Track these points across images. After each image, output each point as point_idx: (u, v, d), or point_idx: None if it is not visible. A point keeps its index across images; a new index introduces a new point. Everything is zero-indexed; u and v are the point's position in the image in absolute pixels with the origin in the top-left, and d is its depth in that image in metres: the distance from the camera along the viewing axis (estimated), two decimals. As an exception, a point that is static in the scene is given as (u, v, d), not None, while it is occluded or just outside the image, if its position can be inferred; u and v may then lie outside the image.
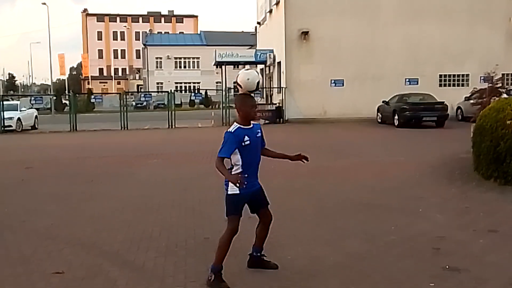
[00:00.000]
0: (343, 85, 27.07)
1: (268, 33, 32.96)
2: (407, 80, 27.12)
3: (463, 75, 27.82)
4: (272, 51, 30.56)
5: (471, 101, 21.88)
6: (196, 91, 51.66)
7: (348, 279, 4.78)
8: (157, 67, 75.11)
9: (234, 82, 4.88)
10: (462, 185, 9.19)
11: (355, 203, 7.96)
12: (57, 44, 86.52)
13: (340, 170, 11.38)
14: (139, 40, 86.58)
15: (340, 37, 26.64)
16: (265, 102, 30.64)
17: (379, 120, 24.84)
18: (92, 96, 37.84)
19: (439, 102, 22.54)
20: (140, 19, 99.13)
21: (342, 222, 6.85)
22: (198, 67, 75.04)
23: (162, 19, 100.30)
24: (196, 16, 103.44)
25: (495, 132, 8.85)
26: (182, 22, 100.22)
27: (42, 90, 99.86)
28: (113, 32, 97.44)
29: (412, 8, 26.95)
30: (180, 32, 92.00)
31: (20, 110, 26.65)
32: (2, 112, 25.18)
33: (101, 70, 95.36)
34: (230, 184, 4.57)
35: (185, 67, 76.39)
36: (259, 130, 4.78)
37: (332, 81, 27.12)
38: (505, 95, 18.87)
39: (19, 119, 25.80)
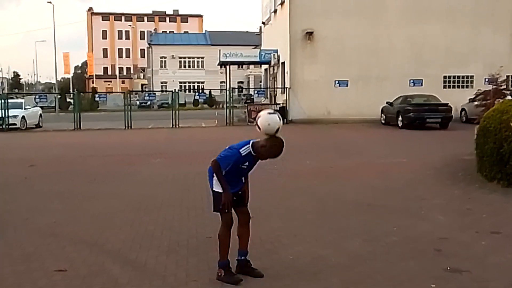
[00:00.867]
0: (347, 85, 27.04)
1: (273, 33, 32.95)
2: (412, 81, 27.06)
3: (467, 77, 27.73)
4: (276, 51, 30.55)
5: (476, 102, 21.81)
6: (200, 91, 51.72)
7: (349, 279, 4.78)
8: (161, 66, 75.14)
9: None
10: (465, 186, 9.17)
11: (357, 204, 7.95)
12: (62, 42, 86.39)
13: (342, 171, 11.37)
14: (143, 39, 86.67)
15: (344, 37, 26.60)
16: (268, 103, 30.61)
17: (383, 121, 24.79)
18: (97, 95, 37.92)
19: (443, 103, 22.48)
20: (145, 18, 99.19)
21: (343, 222, 6.85)
22: (202, 66, 75.06)
23: (167, 19, 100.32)
24: (201, 16, 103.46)
25: (498, 134, 8.84)
26: (187, 22, 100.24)
27: (47, 88, 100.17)
28: (118, 31, 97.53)
29: (417, 9, 26.88)
30: (184, 32, 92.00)
31: (25, 109, 26.73)
32: (6, 110, 25.26)
33: (105, 69, 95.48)
34: (215, 180, 4.67)
35: (189, 66, 76.42)
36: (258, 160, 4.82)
37: (336, 82, 27.08)
38: (509, 97, 18.80)
39: (23, 117, 25.87)
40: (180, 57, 75.32)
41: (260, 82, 45.63)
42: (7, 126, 25.04)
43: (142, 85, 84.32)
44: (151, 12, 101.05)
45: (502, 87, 21.36)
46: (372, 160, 13.02)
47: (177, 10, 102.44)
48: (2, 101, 26.11)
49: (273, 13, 32.25)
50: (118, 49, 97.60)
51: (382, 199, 8.31)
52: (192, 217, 7.23)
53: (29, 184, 10.30)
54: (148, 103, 50.70)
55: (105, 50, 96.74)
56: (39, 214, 7.57)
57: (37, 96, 31.56)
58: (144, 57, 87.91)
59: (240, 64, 36.36)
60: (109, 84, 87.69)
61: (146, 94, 43.87)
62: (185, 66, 76.10)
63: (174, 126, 25.93)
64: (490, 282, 4.69)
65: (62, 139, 20.92)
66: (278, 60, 30.31)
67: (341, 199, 8.42)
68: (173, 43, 76.60)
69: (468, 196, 8.36)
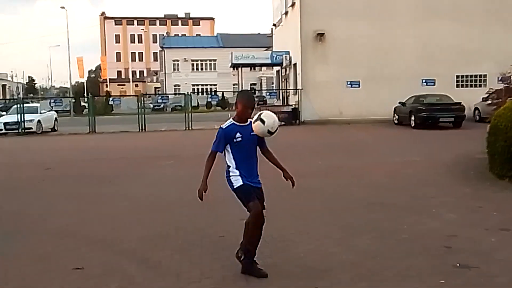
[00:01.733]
0: (359, 86, 27.06)
1: (284, 35, 33.07)
2: (424, 81, 27.01)
3: (480, 76, 27.61)
4: (288, 52, 30.65)
5: (488, 101, 21.71)
6: (213, 93, 51.92)
7: (358, 275, 4.87)
8: (174, 69, 75.61)
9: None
10: (476, 184, 9.21)
11: (367, 202, 8.03)
12: (76, 47, 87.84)
13: (354, 170, 11.44)
14: (156, 42, 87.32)
15: (355, 38, 26.62)
16: (281, 104, 30.72)
17: (396, 121, 24.78)
18: (110, 99, 38.35)
19: (456, 102, 22.42)
20: (157, 21, 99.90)
21: (353, 220, 6.93)
22: (214, 69, 75.40)
23: (179, 22, 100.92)
24: (213, 19, 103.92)
25: (509, 132, 8.87)
26: (199, 25, 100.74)
27: (61, 92, 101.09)
28: (131, 35, 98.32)
29: (427, 8, 26.83)
30: (197, 35, 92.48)
31: (40, 113, 27.11)
32: (23, 115, 25.64)
33: (119, 72, 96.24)
34: (232, 179, 4.77)
35: (202, 69, 76.81)
36: None
37: (348, 82, 27.11)
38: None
39: (39, 121, 26.25)
40: (192, 60, 75.74)
41: (272, 83, 45.77)
42: (23, 130, 25.43)
43: (155, 88, 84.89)
44: (163, 16, 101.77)
45: (514, 86, 21.19)
46: (384, 160, 13.08)
47: (189, 13, 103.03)
48: (18, 105, 26.55)
49: (284, 15, 32.37)
50: (131, 52, 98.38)
51: (393, 197, 8.38)
52: (205, 216, 7.35)
53: (45, 186, 10.52)
54: (162, 106, 50.97)
55: (118, 54, 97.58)
56: (55, 215, 7.76)
57: (52, 100, 32.02)
58: (157, 60, 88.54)
59: (251, 66, 36.51)
60: (122, 88, 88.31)
61: (159, 97, 44.23)
62: (197, 69, 76.51)
63: (187, 129, 26.13)
64: (498, 277, 4.74)
65: (77, 143, 21.22)
66: (290, 61, 30.42)
67: (351, 197, 8.50)
68: (185, 46, 77.07)
69: (478, 194, 8.41)
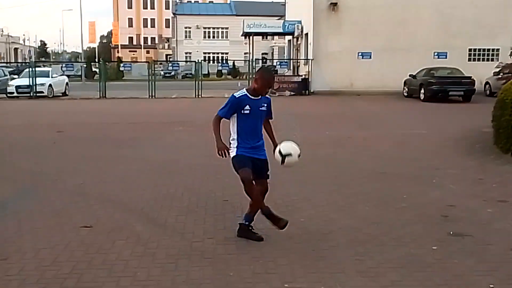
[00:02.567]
0: (370, 57, 26.87)
1: (297, 4, 32.74)
2: (436, 53, 26.76)
3: (493, 50, 27.27)
4: (300, 22, 30.42)
5: (498, 76, 21.54)
6: (224, 62, 51.76)
7: (356, 239, 5.07)
8: (186, 36, 75.14)
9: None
10: (480, 157, 9.33)
11: (372, 172, 8.19)
12: (89, 11, 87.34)
13: (361, 141, 11.57)
14: (169, 9, 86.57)
15: (369, 8, 26.31)
16: (291, 74, 30.64)
17: (405, 94, 24.71)
18: (122, 65, 38.27)
19: (467, 76, 22.27)
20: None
21: (356, 189, 7.11)
22: (226, 37, 74.86)
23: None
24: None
25: (515, 106, 8.91)
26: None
27: (73, 57, 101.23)
28: (143, 0, 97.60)
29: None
30: (210, 2, 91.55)
31: (52, 77, 27.27)
32: (34, 78, 25.85)
33: (130, 38, 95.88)
34: (230, 150, 4.90)
35: (214, 37, 76.28)
36: (266, 104, 5.01)
37: (359, 54, 26.94)
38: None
39: (50, 85, 26.42)
40: (204, 27, 75.15)
41: (284, 53, 45.51)
42: (34, 94, 25.67)
43: (166, 55, 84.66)
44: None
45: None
46: (392, 131, 13.18)
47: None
48: (30, 69, 26.72)
49: (298, -17, 32.01)
50: (143, 19, 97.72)
51: (397, 168, 8.54)
52: (212, 181, 7.57)
53: (57, 148, 10.77)
54: (172, 73, 50.91)
55: (130, 20, 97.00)
56: (67, 175, 8.01)
57: (63, 65, 32.02)
58: (169, 27, 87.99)
59: (263, 35, 36.19)
60: (134, 54, 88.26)
61: (170, 64, 44.13)
62: (209, 37, 75.97)
63: (197, 96, 26.23)
64: (491, 245, 4.91)
65: (88, 107, 21.44)
66: (302, 31, 30.21)
67: (356, 167, 8.66)
68: (198, 13, 76.36)
69: (481, 167, 8.53)
